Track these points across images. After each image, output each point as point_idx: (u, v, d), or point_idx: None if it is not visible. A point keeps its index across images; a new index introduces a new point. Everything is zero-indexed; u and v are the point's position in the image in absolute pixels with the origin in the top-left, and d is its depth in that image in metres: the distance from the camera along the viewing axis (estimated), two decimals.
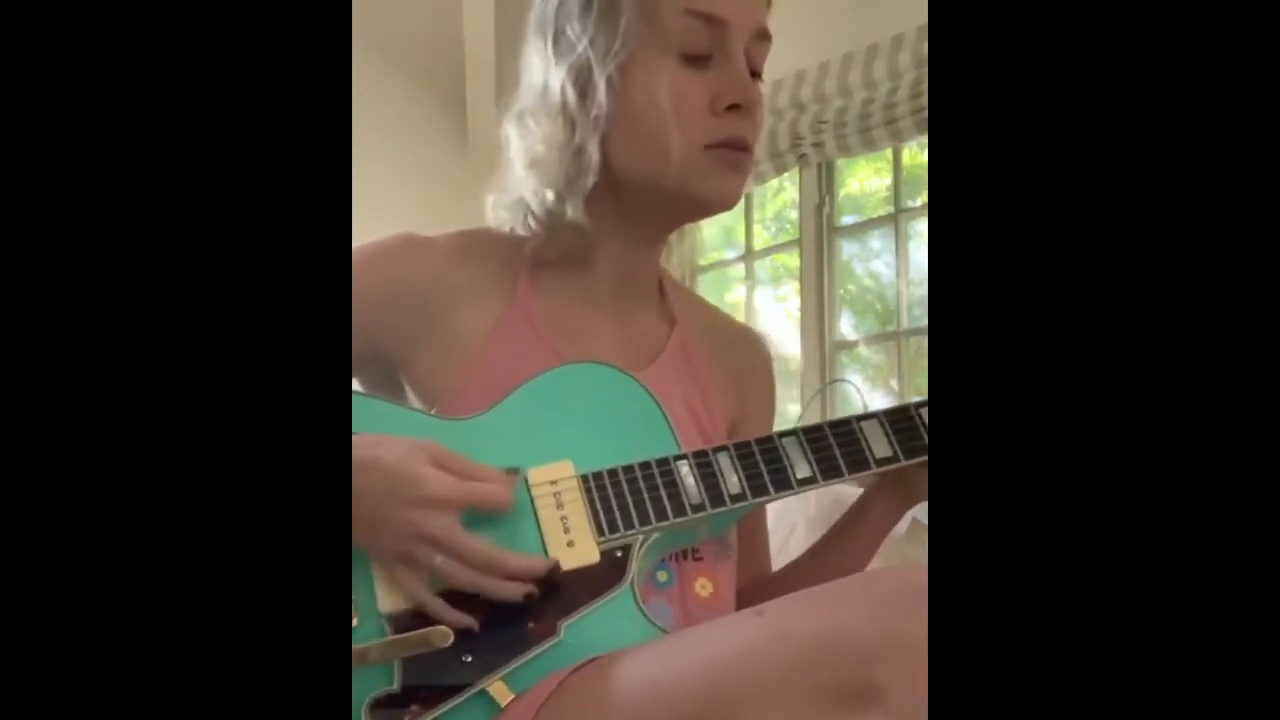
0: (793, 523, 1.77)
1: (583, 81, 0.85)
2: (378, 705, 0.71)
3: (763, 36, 0.87)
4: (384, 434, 0.75)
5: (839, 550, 0.92)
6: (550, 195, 0.86)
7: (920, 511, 1.92)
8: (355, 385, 0.90)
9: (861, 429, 0.84)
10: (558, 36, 0.87)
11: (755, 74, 0.87)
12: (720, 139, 0.84)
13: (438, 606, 0.72)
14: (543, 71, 0.88)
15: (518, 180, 0.88)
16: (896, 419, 0.84)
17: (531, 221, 0.88)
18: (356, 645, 0.71)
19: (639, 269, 0.92)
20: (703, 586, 0.86)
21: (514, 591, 0.72)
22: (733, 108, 0.84)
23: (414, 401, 0.87)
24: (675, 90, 0.83)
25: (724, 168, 0.85)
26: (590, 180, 0.85)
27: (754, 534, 0.98)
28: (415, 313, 0.87)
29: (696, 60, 0.84)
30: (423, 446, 0.74)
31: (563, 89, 0.86)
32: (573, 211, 0.86)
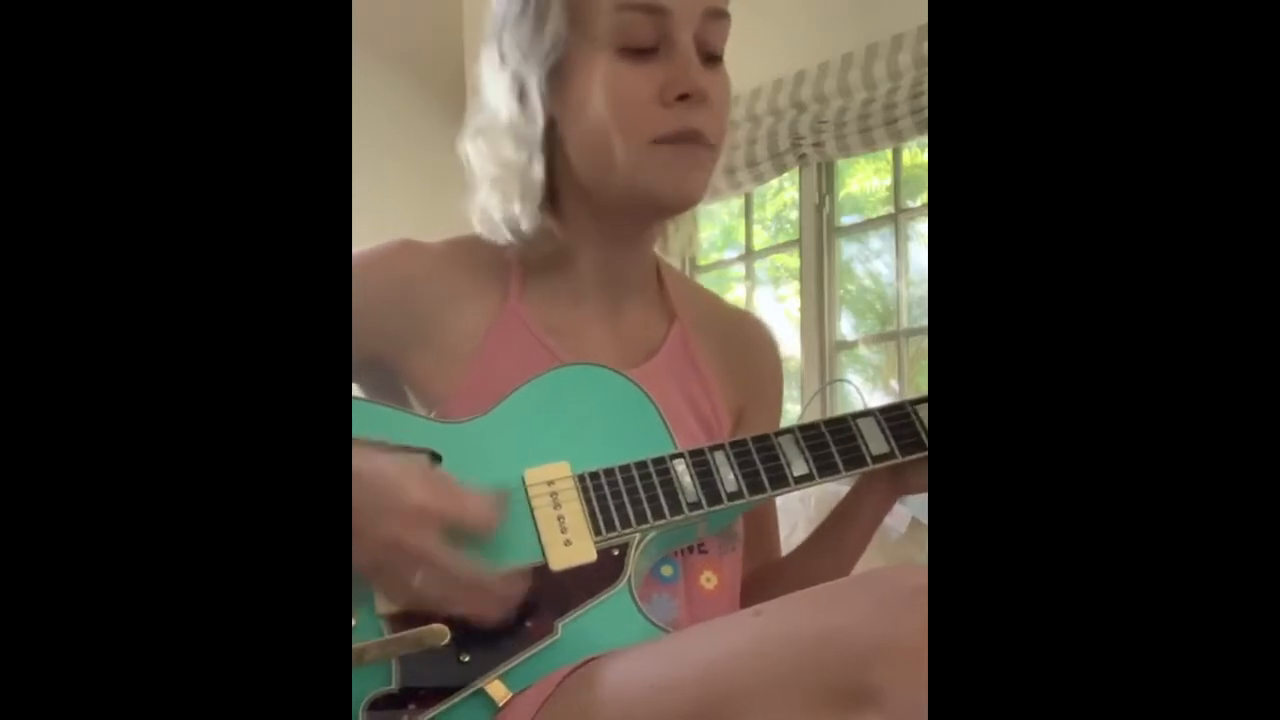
0: (794, 523, 1.77)
1: (519, 93, 0.85)
2: (375, 705, 0.71)
3: (715, 15, 0.83)
4: (379, 449, 0.74)
5: (835, 538, 0.92)
6: (514, 209, 0.86)
7: (920, 511, 1.93)
8: (355, 391, 0.90)
9: (858, 426, 0.84)
10: (501, 51, 0.87)
11: (714, 56, 0.85)
12: (670, 131, 0.82)
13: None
14: (491, 88, 0.88)
15: (483, 197, 0.89)
16: (892, 416, 0.85)
17: (506, 232, 0.88)
18: (354, 644, 0.71)
19: (627, 265, 0.92)
20: (708, 579, 0.86)
21: (493, 612, 0.72)
22: (682, 98, 0.81)
23: (415, 405, 0.87)
24: (616, 86, 0.81)
25: (674, 163, 0.82)
26: (539, 193, 0.85)
27: (763, 522, 0.99)
28: (411, 317, 0.87)
29: (640, 53, 0.82)
30: (416, 466, 0.72)
31: (505, 103, 0.86)
32: (535, 224, 0.86)
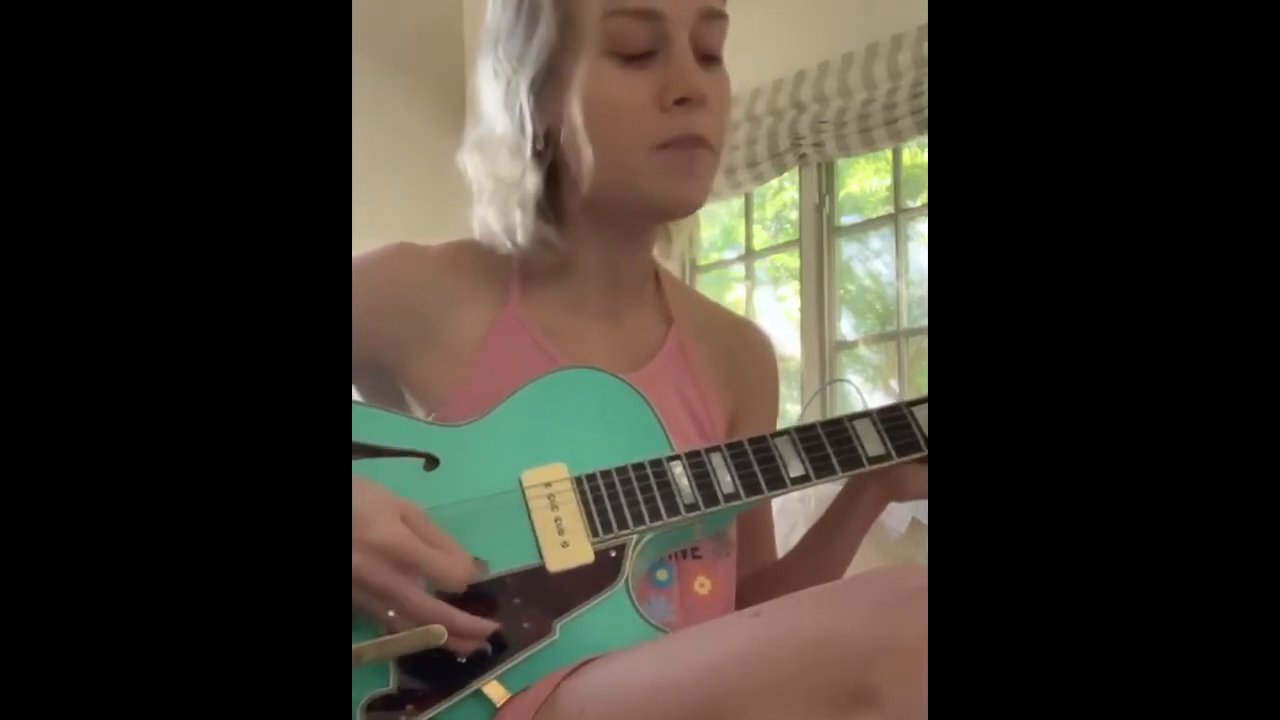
0: (793, 522, 1.77)
1: (512, 105, 0.85)
2: (373, 706, 0.71)
3: (712, 16, 0.83)
4: (371, 481, 0.73)
5: (827, 542, 0.92)
6: (511, 221, 0.86)
7: (920, 511, 1.93)
8: (353, 394, 0.90)
9: (854, 428, 0.84)
10: (495, 64, 0.87)
11: (712, 57, 0.84)
12: (671, 136, 0.81)
13: (443, 612, 0.71)
14: (487, 100, 0.88)
15: (482, 208, 0.89)
16: (888, 417, 0.85)
17: (505, 241, 0.88)
18: (352, 646, 0.71)
19: (626, 270, 0.92)
20: (701, 584, 0.86)
21: (463, 646, 0.71)
22: (680, 101, 0.81)
23: (414, 408, 0.87)
24: (610, 92, 0.81)
25: (676, 169, 0.82)
26: (535, 207, 0.85)
27: (758, 526, 0.99)
28: (410, 320, 0.87)
29: (635, 59, 0.81)
30: (397, 503, 0.71)
31: (502, 118, 0.86)
32: (532, 235, 0.86)
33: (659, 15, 0.80)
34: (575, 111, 0.83)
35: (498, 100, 0.87)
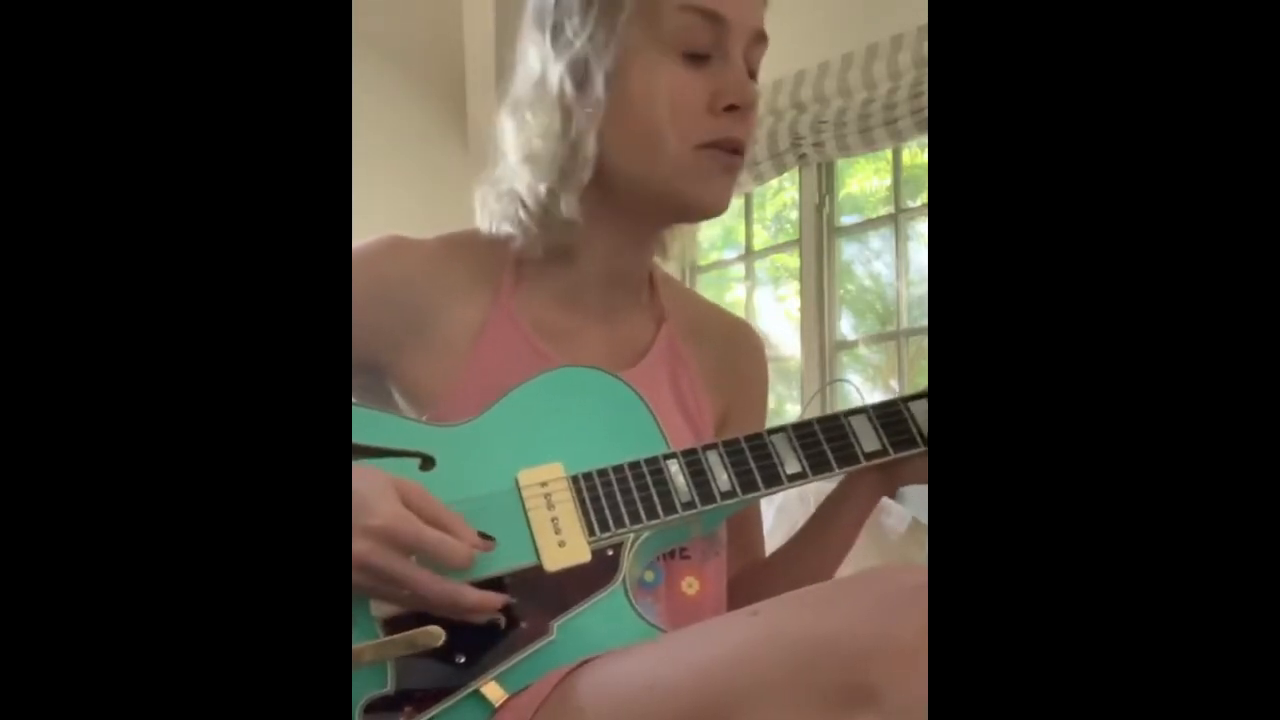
0: (793, 521, 1.77)
1: (580, 76, 0.84)
2: (372, 707, 0.71)
3: (760, 39, 0.86)
4: (371, 467, 0.74)
5: (821, 537, 0.92)
6: (543, 189, 0.85)
7: (920, 511, 1.93)
8: None
9: (850, 424, 0.84)
10: (556, 30, 0.86)
11: (751, 75, 0.87)
12: (715, 139, 0.83)
13: (458, 594, 0.72)
14: (540, 64, 0.87)
15: (511, 173, 0.88)
16: (884, 413, 0.85)
17: (523, 215, 0.87)
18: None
19: (628, 267, 0.92)
20: (689, 585, 0.86)
21: (474, 620, 0.72)
22: (730, 108, 0.83)
23: (403, 408, 0.87)
24: (674, 88, 0.83)
25: (716, 170, 0.84)
26: (586, 175, 0.85)
27: (745, 524, 0.98)
28: (401, 316, 0.87)
29: (696, 59, 0.83)
30: (398, 484, 0.72)
31: (561, 82, 0.85)
32: (566, 207, 0.85)
33: (724, 21, 0.83)
34: (633, 98, 0.83)
35: (560, 69, 0.85)
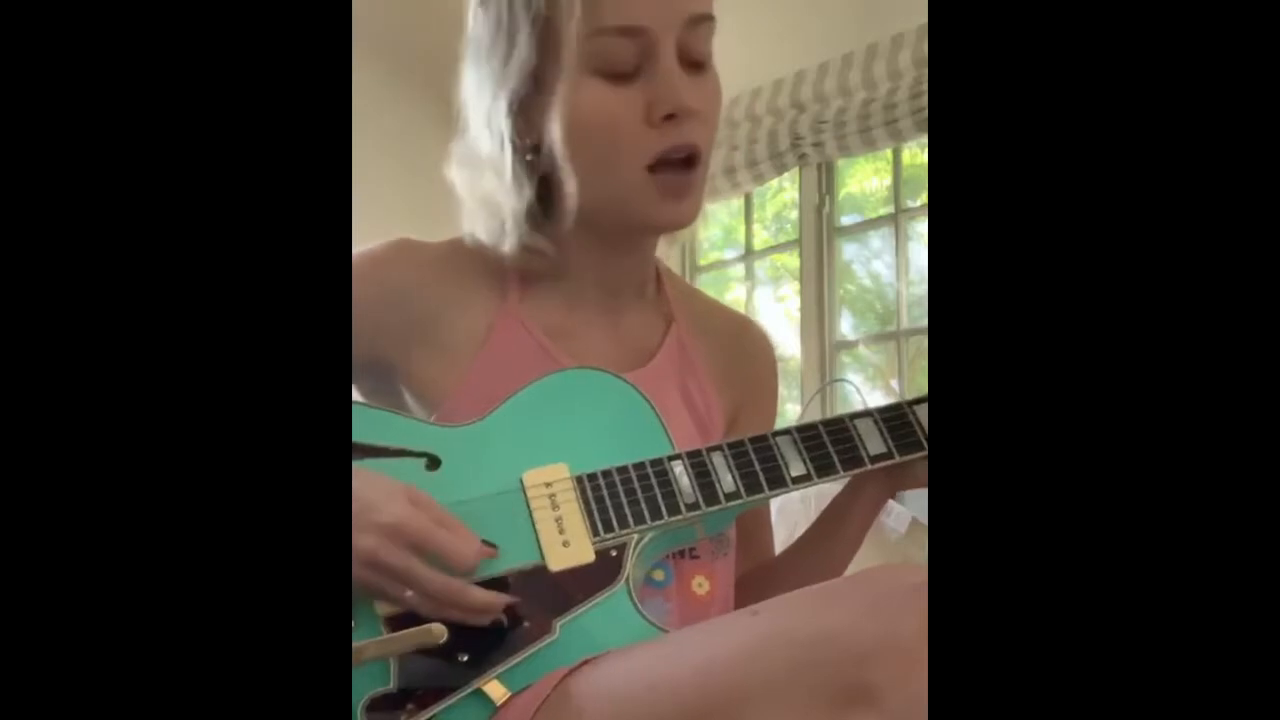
0: (794, 523, 1.77)
1: (498, 123, 0.84)
2: (374, 705, 0.71)
3: (697, 20, 0.81)
4: (380, 474, 0.74)
5: (827, 538, 0.92)
6: (502, 231, 0.86)
7: (921, 511, 1.93)
8: (354, 394, 0.90)
9: (855, 427, 0.84)
10: (477, 79, 0.86)
11: (699, 63, 0.83)
12: (662, 151, 0.81)
13: (461, 593, 0.72)
14: (472, 115, 0.87)
15: (469, 220, 0.88)
16: (890, 416, 0.85)
17: (499, 250, 0.87)
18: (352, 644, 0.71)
19: (626, 272, 0.92)
20: (699, 584, 0.86)
21: (479, 621, 0.73)
22: (669, 117, 0.80)
23: (414, 408, 0.87)
24: (605, 111, 0.80)
25: (667, 192, 0.82)
26: (523, 221, 0.84)
27: (755, 525, 0.99)
28: (409, 318, 0.87)
29: (623, 77, 0.80)
30: (404, 487, 0.72)
31: (486, 135, 0.85)
32: (525, 244, 0.85)
33: (643, 30, 0.79)
34: (562, 130, 0.81)
35: (481, 115, 0.86)
